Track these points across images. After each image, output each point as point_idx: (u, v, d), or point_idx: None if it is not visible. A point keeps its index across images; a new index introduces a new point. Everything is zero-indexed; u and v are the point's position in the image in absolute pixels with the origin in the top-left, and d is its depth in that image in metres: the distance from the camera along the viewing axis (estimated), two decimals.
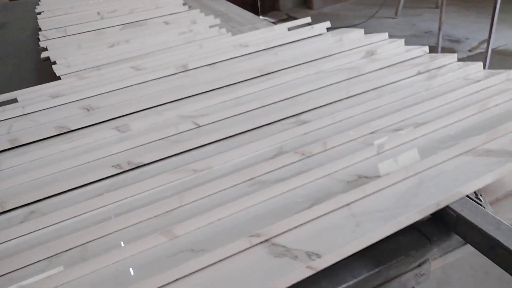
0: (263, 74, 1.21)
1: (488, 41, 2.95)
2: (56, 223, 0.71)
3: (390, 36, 1.38)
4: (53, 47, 1.60)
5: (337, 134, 0.87)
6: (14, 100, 1.20)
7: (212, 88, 1.15)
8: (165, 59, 1.38)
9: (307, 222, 0.67)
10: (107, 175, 0.81)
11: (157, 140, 0.93)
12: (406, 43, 1.34)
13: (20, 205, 0.77)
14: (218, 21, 1.74)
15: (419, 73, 1.13)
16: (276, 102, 1.05)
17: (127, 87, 1.21)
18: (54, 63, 1.44)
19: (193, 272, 0.60)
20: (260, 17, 5.09)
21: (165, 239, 0.65)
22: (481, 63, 1.14)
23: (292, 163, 0.81)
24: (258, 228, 0.64)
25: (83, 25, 1.76)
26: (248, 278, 0.58)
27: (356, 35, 1.45)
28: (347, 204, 0.70)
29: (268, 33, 1.52)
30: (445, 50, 3.45)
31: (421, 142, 0.85)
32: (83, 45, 1.58)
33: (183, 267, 0.59)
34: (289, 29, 1.57)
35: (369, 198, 0.71)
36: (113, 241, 0.66)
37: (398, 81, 1.11)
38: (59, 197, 0.78)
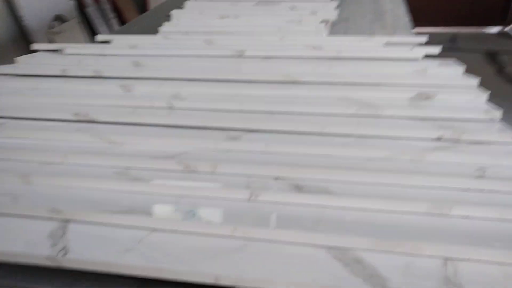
0: (286, 81, 1.10)
1: None
2: None
3: None
4: (191, 6, 1.83)
5: None
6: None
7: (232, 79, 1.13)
8: (238, 41, 1.39)
9: None
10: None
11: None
12: None
13: None
14: (334, 15, 1.61)
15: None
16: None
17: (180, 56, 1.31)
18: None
19: None
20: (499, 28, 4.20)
21: None
22: None
23: None
24: None
25: None
26: None
27: (450, 71, 1.12)
28: None
29: (354, 42, 1.33)
30: None
31: None
32: (205, 11, 1.74)
33: None
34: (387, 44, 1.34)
35: None
36: None
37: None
38: None
